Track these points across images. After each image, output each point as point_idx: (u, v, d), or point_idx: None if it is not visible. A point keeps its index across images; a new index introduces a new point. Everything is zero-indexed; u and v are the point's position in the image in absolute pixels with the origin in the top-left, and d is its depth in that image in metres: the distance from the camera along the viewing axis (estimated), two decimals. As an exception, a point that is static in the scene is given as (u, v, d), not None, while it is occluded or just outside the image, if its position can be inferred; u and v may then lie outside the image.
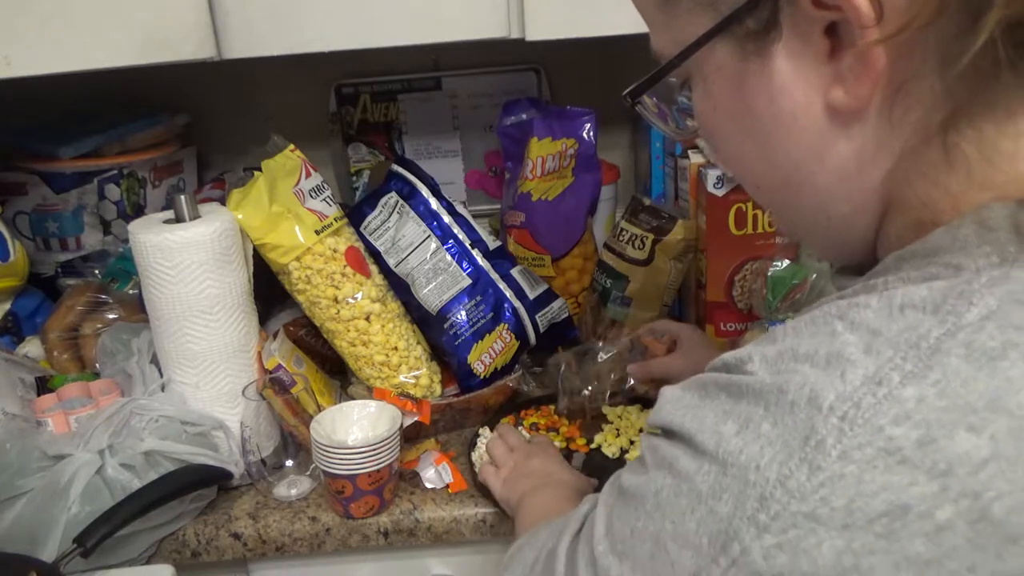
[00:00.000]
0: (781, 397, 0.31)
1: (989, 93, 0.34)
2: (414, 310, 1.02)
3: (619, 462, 0.92)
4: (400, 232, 1.05)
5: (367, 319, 0.96)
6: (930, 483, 0.27)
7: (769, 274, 1.04)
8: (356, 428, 0.89)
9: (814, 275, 1.04)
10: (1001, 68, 0.32)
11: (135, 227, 0.87)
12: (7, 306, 1.10)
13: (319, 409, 0.91)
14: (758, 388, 0.32)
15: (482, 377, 1.01)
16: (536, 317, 1.05)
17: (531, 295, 1.06)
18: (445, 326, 1.01)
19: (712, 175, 1.04)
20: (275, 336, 0.97)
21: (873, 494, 0.27)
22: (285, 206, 0.93)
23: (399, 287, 1.03)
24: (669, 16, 0.42)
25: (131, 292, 1.09)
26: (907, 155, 0.36)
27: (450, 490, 0.88)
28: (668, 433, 0.36)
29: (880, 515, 0.27)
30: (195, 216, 0.88)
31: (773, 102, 0.38)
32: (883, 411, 0.28)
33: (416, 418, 0.92)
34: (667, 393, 0.38)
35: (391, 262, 1.05)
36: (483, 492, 0.87)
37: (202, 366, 0.89)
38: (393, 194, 1.07)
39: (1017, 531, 0.26)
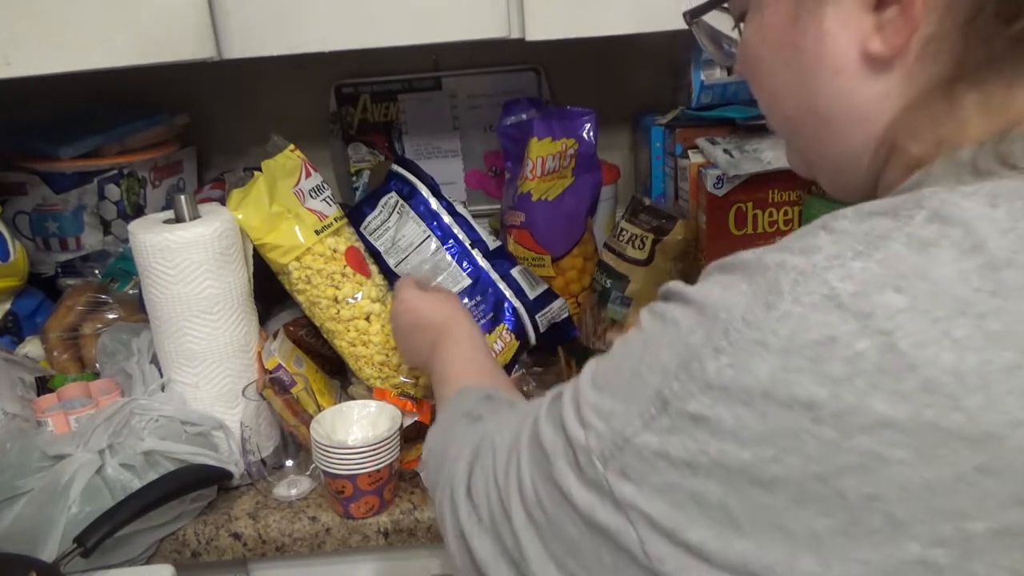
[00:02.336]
0: (759, 265, 0.37)
1: (1002, 59, 0.39)
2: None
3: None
4: (400, 232, 1.05)
5: (367, 319, 0.96)
6: (855, 322, 0.33)
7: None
8: (356, 428, 0.89)
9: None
10: (1017, 38, 0.38)
11: (135, 227, 0.87)
12: (7, 306, 1.10)
13: (319, 409, 0.91)
14: (744, 262, 0.38)
15: (482, 377, 1.01)
16: (536, 317, 1.05)
17: (531, 295, 1.06)
18: (445, 326, 1.01)
19: (712, 175, 1.04)
20: (275, 336, 0.97)
21: (811, 328, 0.34)
22: (285, 206, 0.93)
23: (399, 287, 1.03)
24: None
25: (131, 292, 1.09)
26: (916, 104, 0.42)
27: (450, 490, 0.88)
28: (665, 296, 0.42)
29: (813, 343, 0.33)
30: (195, 216, 0.88)
31: (819, 41, 0.44)
32: (833, 272, 0.34)
33: (416, 418, 0.92)
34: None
35: (391, 262, 1.05)
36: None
37: (202, 366, 0.89)
38: (393, 194, 1.07)
39: (916, 361, 0.32)
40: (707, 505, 0.35)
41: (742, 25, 0.51)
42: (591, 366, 0.44)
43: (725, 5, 0.52)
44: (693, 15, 0.55)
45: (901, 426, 0.32)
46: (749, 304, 0.36)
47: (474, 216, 1.10)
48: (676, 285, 0.42)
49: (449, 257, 1.04)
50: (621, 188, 1.32)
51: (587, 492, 0.40)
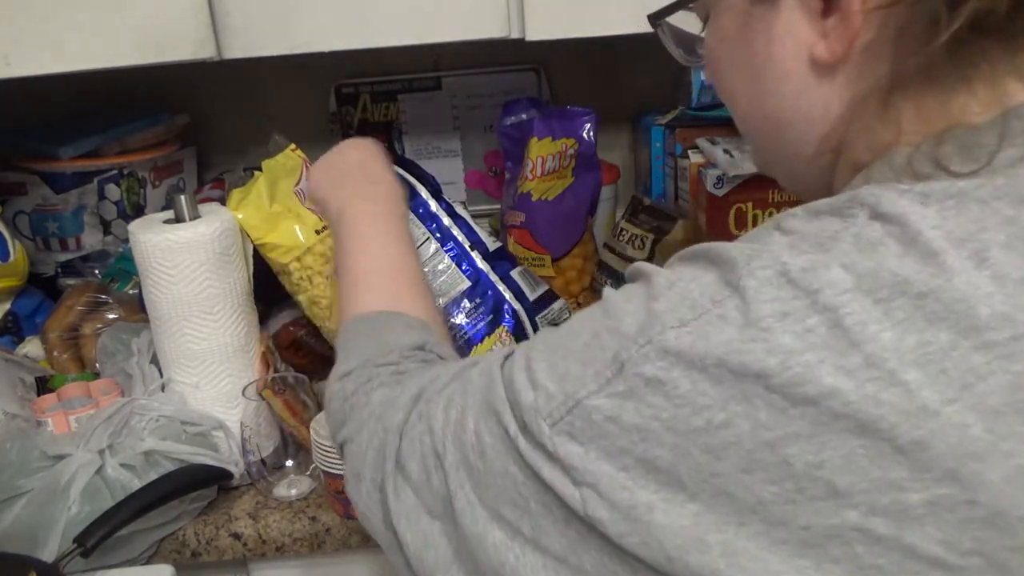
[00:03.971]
0: (724, 256, 0.38)
1: (937, 67, 0.40)
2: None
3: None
4: (400, 232, 1.05)
5: (367, 319, 0.96)
6: (805, 298, 0.35)
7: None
8: (356, 428, 0.89)
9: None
10: (952, 47, 0.38)
11: (135, 227, 0.87)
12: (7, 306, 1.10)
13: (319, 409, 0.91)
14: (707, 251, 0.40)
15: (482, 377, 1.01)
16: (536, 319, 1.05)
17: (531, 297, 1.06)
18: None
19: (712, 175, 1.04)
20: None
21: (764, 302, 0.35)
22: (285, 206, 0.93)
23: (399, 287, 1.03)
24: None
25: (131, 292, 1.09)
26: (857, 108, 0.43)
27: (450, 490, 0.88)
28: (633, 275, 0.43)
29: (766, 316, 0.35)
30: (195, 216, 0.88)
31: (768, 45, 0.45)
32: (786, 257, 0.36)
33: (416, 418, 0.92)
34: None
35: (391, 262, 1.05)
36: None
37: (202, 366, 0.89)
38: (393, 194, 1.07)
39: (859, 338, 0.34)
40: (655, 470, 0.36)
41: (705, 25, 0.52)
42: (545, 331, 0.46)
43: (691, 6, 0.53)
44: (656, 17, 0.56)
45: (845, 398, 0.33)
46: (711, 281, 0.37)
47: (474, 216, 1.10)
48: (644, 265, 0.43)
49: (448, 259, 1.04)
50: (621, 188, 1.32)
51: (532, 451, 0.40)
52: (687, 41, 0.57)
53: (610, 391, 0.37)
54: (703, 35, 0.53)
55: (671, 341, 0.36)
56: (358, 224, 0.71)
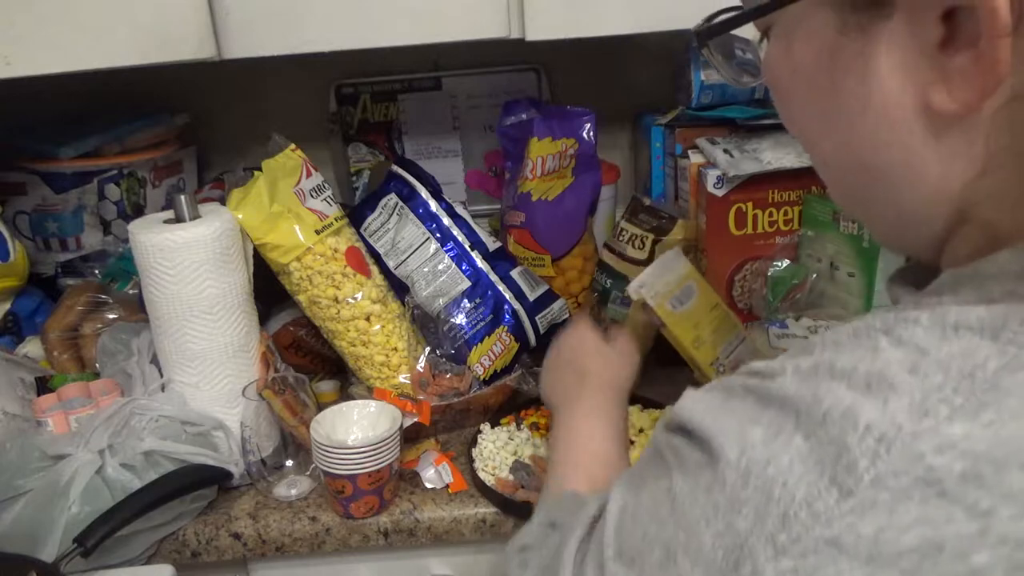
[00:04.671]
0: (815, 407, 0.28)
1: None
2: (414, 311, 1.02)
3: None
4: (400, 234, 1.05)
5: (367, 319, 0.96)
6: (969, 522, 0.25)
7: (769, 274, 1.04)
8: (356, 428, 0.89)
9: (814, 275, 1.04)
10: None
11: (135, 227, 0.87)
12: (7, 306, 1.10)
13: (319, 409, 0.91)
14: (790, 395, 0.30)
15: (482, 379, 1.01)
16: (536, 319, 1.05)
17: (531, 297, 1.06)
18: (445, 328, 1.01)
19: (712, 175, 1.04)
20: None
21: (905, 527, 0.25)
22: (285, 206, 0.93)
23: (399, 289, 1.03)
24: None
25: (131, 292, 1.09)
26: (995, 171, 0.32)
27: (450, 490, 0.88)
28: (687, 433, 0.34)
29: (910, 551, 0.25)
30: (195, 216, 0.88)
31: (864, 84, 0.34)
32: (925, 438, 0.26)
33: (416, 419, 0.92)
34: (689, 392, 0.36)
35: (391, 264, 1.05)
36: (483, 492, 0.87)
37: (202, 366, 0.89)
38: (393, 195, 1.07)
39: None
40: None
41: (766, 42, 0.40)
42: (617, 511, 0.37)
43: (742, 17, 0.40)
44: (702, 38, 0.42)
45: None
46: (813, 480, 0.27)
47: (474, 216, 1.10)
48: (692, 410, 0.34)
49: (448, 259, 1.04)
50: (621, 188, 1.31)
51: None
52: (734, 51, 0.46)
53: None
54: (742, 54, 0.43)
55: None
56: (564, 424, 0.71)
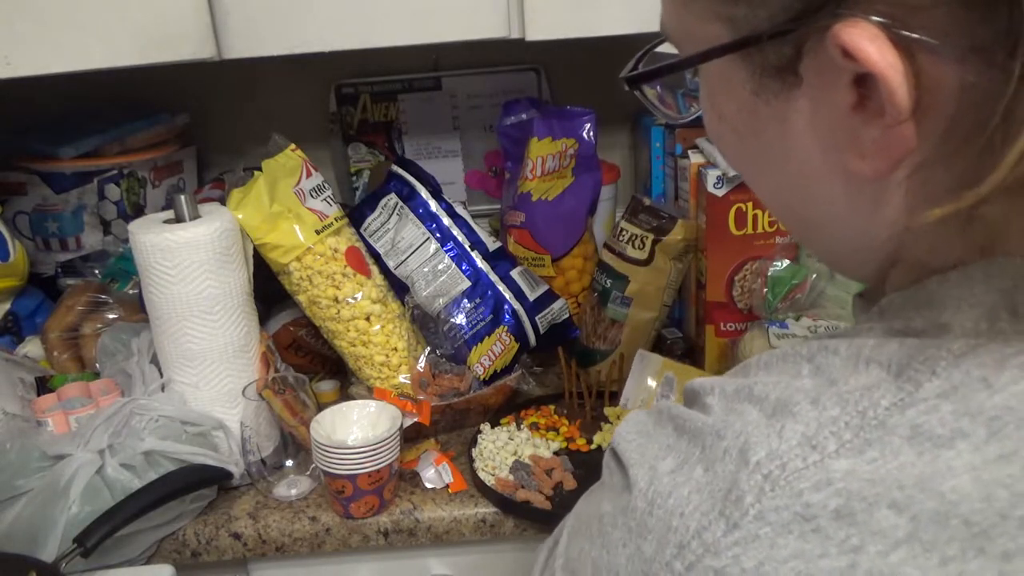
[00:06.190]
0: (717, 443, 0.30)
1: None
2: (414, 311, 1.02)
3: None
4: (400, 234, 1.05)
5: (367, 319, 0.96)
6: (839, 557, 0.26)
7: (769, 274, 1.04)
8: (356, 428, 0.89)
9: (814, 275, 1.04)
10: None
11: (135, 227, 0.87)
12: (7, 306, 1.10)
13: (319, 409, 0.91)
14: (700, 427, 0.32)
15: (482, 379, 1.01)
16: (536, 319, 1.05)
17: (531, 296, 1.06)
18: (445, 328, 1.01)
19: (712, 175, 1.04)
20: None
21: (783, 560, 0.27)
22: (285, 206, 0.93)
23: (399, 289, 1.03)
24: (686, 4, 0.36)
25: (131, 292, 1.09)
26: (923, 215, 0.32)
27: (450, 490, 0.88)
28: (617, 457, 0.36)
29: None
30: (195, 216, 0.88)
31: (784, 143, 0.34)
32: (807, 476, 0.27)
33: (416, 419, 0.92)
34: (631, 416, 0.38)
35: (391, 264, 1.05)
36: (483, 492, 0.87)
37: (202, 366, 0.89)
38: (393, 195, 1.07)
39: None
40: None
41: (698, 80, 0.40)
42: (568, 530, 0.38)
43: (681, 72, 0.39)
44: (632, 83, 0.42)
45: None
46: (705, 511, 0.29)
47: (474, 216, 1.10)
48: (624, 436, 0.35)
49: (448, 259, 1.04)
50: (621, 188, 1.31)
51: None
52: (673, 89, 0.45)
53: None
54: (695, 82, 0.42)
55: None
56: None
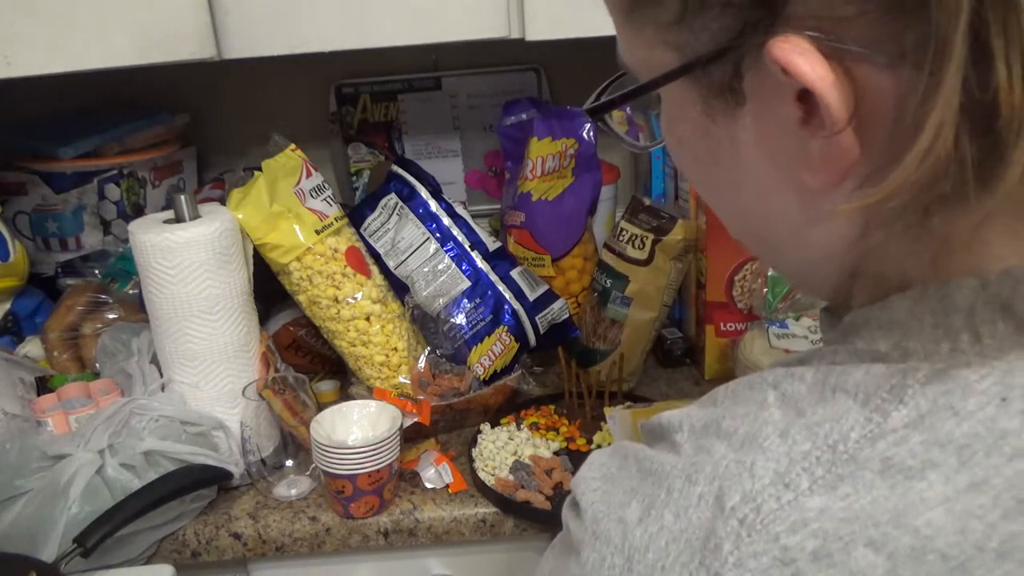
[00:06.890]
0: (689, 488, 0.30)
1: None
2: (414, 311, 1.02)
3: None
4: (399, 234, 1.05)
5: (367, 319, 0.96)
6: None
7: (769, 274, 1.04)
8: (356, 428, 0.89)
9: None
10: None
11: (135, 227, 0.87)
12: (7, 306, 1.10)
13: (319, 409, 0.91)
14: (667, 470, 0.31)
15: (482, 379, 1.01)
16: (536, 319, 1.05)
17: (531, 296, 1.06)
18: (445, 328, 1.01)
19: (712, 175, 1.04)
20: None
21: None
22: (285, 206, 0.93)
23: (399, 289, 1.03)
24: (636, 34, 0.37)
25: (131, 292, 1.09)
26: (873, 232, 0.33)
27: (450, 490, 0.88)
28: (579, 508, 0.34)
29: None
30: (195, 216, 0.88)
31: (737, 162, 0.35)
32: (782, 517, 0.27)
33: (416, 419, 0.92)
34: (592, 458, 0.37)
35: (391, 264, 1.05)
36: (483, 492, 0.87)
37: (202, 366, 0.89)
38: (393, 195, 1.07)
39: None
40: None
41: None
42: None
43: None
44: (594, 114, 0.43)
45: None
46: (685, 562, 0.28)
47: (474, 216, 1.10)
48: (586, 484, 0.35)
49: (448, 259, 1.04)
50: (621, 188, 1.31)
51: None
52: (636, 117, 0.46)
53: None
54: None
55: None
56: None
